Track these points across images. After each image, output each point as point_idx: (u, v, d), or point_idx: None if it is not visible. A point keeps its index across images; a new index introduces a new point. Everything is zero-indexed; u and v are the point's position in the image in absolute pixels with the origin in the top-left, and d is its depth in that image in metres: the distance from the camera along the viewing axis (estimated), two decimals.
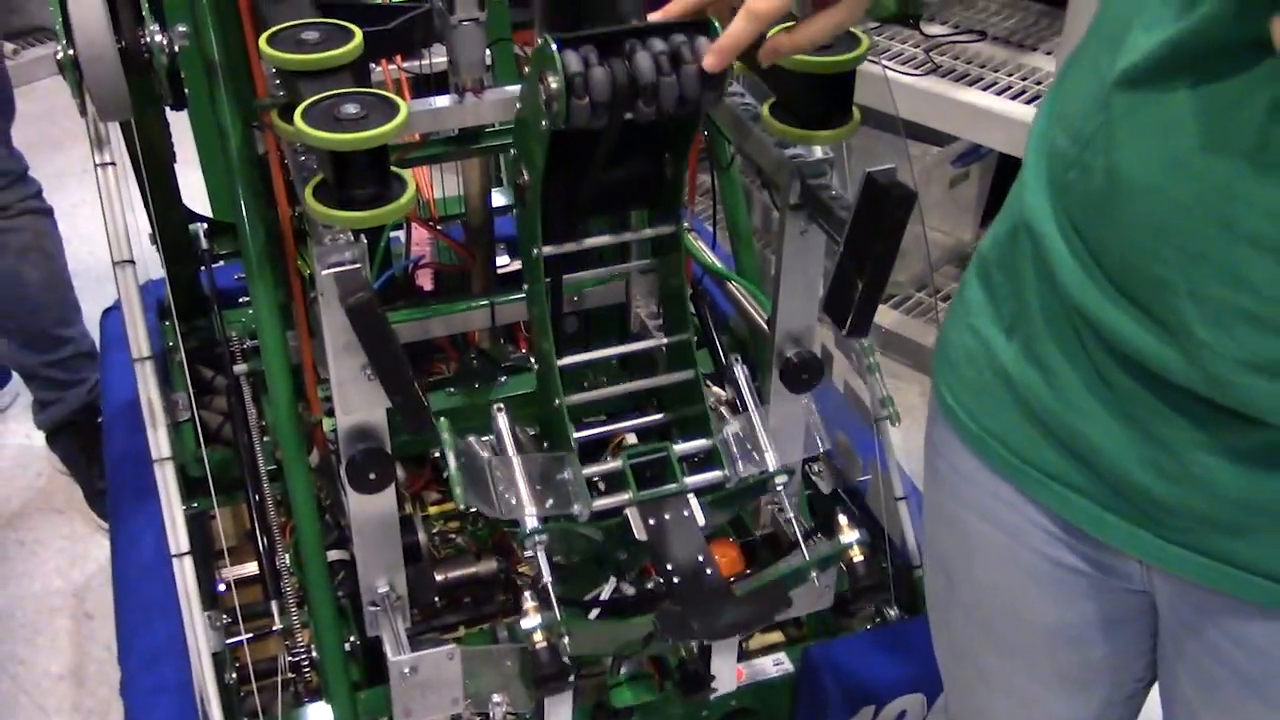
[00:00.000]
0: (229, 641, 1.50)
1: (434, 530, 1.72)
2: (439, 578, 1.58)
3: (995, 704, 1.12)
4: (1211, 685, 0.91)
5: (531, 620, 1.15)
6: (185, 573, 1.32)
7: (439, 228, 1.72)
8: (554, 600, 1.15)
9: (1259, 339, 0.74)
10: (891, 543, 1.60)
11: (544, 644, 1.15)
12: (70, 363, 2.28)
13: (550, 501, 1.18)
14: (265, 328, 1.34)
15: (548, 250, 1.19)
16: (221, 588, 1.63)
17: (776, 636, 1.63)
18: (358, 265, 1.02)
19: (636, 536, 1.19)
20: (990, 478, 0.97)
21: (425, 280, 1.82)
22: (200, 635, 1.31)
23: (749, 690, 1.48)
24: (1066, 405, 0.87)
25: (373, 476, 1.19)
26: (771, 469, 1.27)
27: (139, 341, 1.35)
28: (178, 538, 1.33)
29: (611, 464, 1.23)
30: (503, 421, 1.21)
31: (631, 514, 1.20)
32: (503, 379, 1.76)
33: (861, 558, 1.23)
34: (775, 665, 1.51)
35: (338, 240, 1.08)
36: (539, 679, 1.14)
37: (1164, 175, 0.74)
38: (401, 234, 1.82)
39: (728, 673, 1.37)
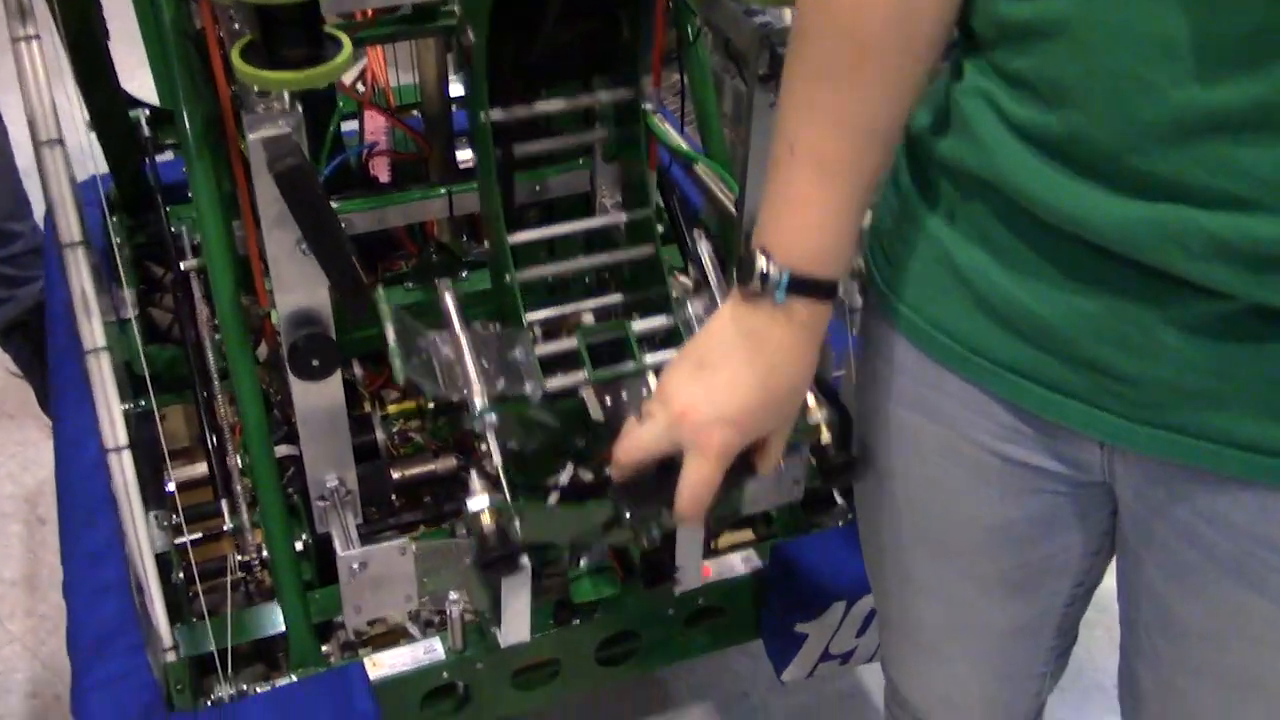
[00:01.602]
0: (178, 541, 1.44)
1: (393, 429, 1.66)
2: (396, 475, 1.53)
3: (927, 611, 1.07)
4: (1183, 571, 0.86)
5: (479, 501, 1.08)
6: (124, 468, 1.26)
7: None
8: (504, 482, 1.08)
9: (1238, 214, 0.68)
10: (855, 438, 1.55)
11: (491, 525, 1.08)
12: (21, 259, 2.20)
13: (501, 381, 1.12)
14: (206, 215, 1.26)
15: (496, 115, 1.12)
16: (171, 487, 1.57)
17: (746, 534, 1.58)
18: (288, 131, 0.94)
19: (592, 416, 1.13)
20: (932, 369, 0.91)
21: (382, 172, 1.74)
22: (140, 533, 1.26)
23: (716, 588, 1.43)
24: (1018, 284, 0.81)
25: (316, 363, 1.13)
26: None
27: (69, 226, 1.27)
28: (115, 432, 1.26)
29: (566, 343, 1.17)
30: (450, 299, 1.15)
31: (587, 394, 1.14)
32: (464, 274, 1.70)
33: (830, 438, 1.17)
34: (744, 562, 1.46)
35: (271, 108, 1.00)
36: (485, 562, 1.07)
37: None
38: (357, 125, 1.75)
39: (693, 568, 1.32)
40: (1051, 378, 0.83)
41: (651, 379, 1.15)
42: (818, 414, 1.16)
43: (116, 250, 1.86)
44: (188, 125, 1.23)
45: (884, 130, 0.81)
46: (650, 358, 1.18)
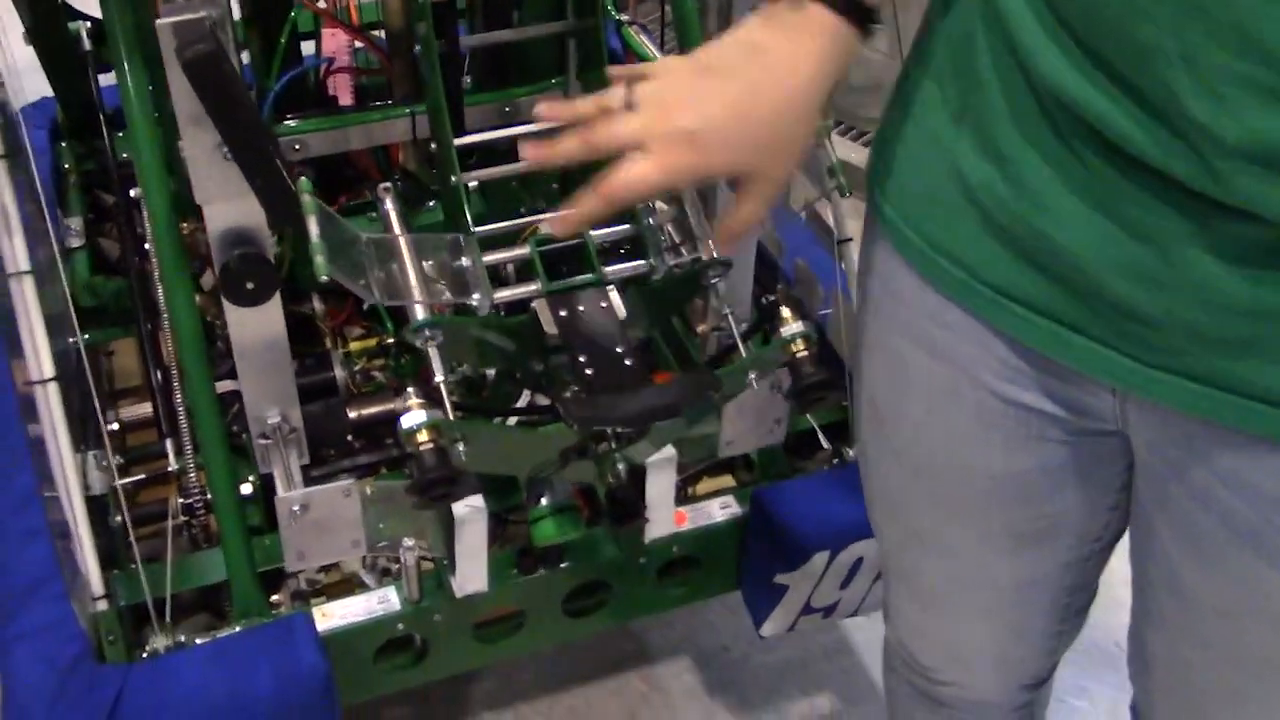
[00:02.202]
0: (121, 483, 1.35)
1: (355, 367, 1.57)
2: (352, 415, 1.43)
3: (931, 565, 0.99)
4: (1196, 537, 0.78)
5: (414, 416, 0.97)
6: (50, 402, 1.16)
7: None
8: (446, 399, 0.98)
9: (1265, 118, 0.58)
10: (854, 378, 1.45)
11: (429, 444, 0.96)
12: None
13: (444, 289, 1.02)
14: (138, 130, 1.15)
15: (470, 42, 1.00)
16: (114, 426, 1.48)
17: (725, 480, 1.49)
18: (202, 15, 0.84)
19: (546, 331, 1.03)
20: (934, 300, 0.82)
21: (345, 95, 1.63)
22: (68, 472, 1.16)
23: (692, 537, 1.35)
24: (1030, 203, 0.72)
25: (251, 286, 1.04)
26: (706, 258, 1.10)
27: None
28: (40, 364, 1.16)
29: (518, 250, 1.06)
30: (390, 202, 1.04)
31: (540, 306, 1.04)
32: (430, 204, 1.60)
33: (806, 352, 1.07)
34: (722, 509, 1.37)
35: None
36: (422, 485, 0.96)
37: None
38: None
39: (665, 515, 1.24)
40: (1060, 312, 0.75)
41: (612, 292, 1.05)
42: (793, 325, 1.06)
43: (64, 177, 1.77)
44: (117, 26, 1.12)
45: None
46: (610, 270, 1.08)
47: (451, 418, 0.97)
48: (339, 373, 1.52)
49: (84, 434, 1.34)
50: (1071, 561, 0.95)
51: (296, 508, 1.09)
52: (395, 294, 1.00)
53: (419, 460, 0.96)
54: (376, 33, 1.58)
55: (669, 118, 0.75)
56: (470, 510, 1.11)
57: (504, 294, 1.04)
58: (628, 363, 1.00)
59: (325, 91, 1.58)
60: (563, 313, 1.02)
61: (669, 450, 1.18)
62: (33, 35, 1.50)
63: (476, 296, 1.02)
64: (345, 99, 1.61)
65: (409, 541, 1.24)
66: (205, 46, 0.79)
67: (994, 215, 0.75)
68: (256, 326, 1.09)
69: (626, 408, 0.94)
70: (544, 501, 1.20)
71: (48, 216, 1.58)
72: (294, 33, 1.45)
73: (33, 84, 1.75)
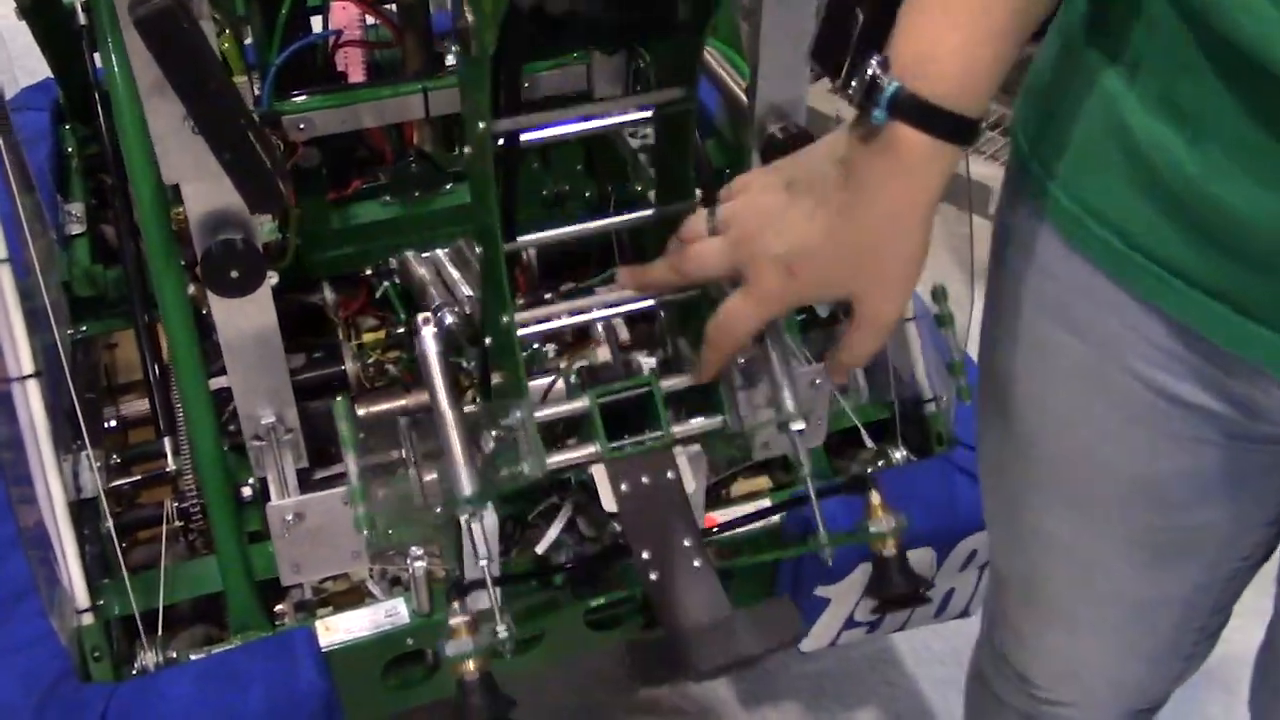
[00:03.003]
0: (110, 485, 1.27)
1: (368, 360, 1.48)
2: (361, 411, 1.34)
3: (1053, 571, 0.89)
4: None
5: (458, 645, 0.86)
6: (30, 400, 1.08)
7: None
8: (496, 607, 0.86)
9: None
10: (898, 374, 1.34)
11: (474, 676, 0.86)
12: None
13: (487, 460, 0.90)
14: (122, 108, 1.06)
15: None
16: (113, 423, 1.40)
17: (762, 482, 1.39)
18: None
19: (604, 508, 0.91)
20: (1083, 272, 0.72)
21: (356, 72, 1.54)
22: (50, 475, 1.08)
23: (724, 543, 1.24)
24: (1208, 167, 0.62)
25: (235, 275, 0.94)
26: (789, 410, 0.95)
27: None
28: (19, 358, 1.08)
29: (576, 404, 0.92)
30: (429, 342, 0.91)
31: (599, 476, 0.90)
32: (447, 186, 1.51)
33: (894, 553, 0.94)
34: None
35: None
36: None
37: None
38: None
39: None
40: (1234, 292, 0.65)
41: (682, 458, 0.93)
42: (883, 521, 0.94)
43: (66, 161, 1.69)
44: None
45: None
46: (679, 429, 0.93)
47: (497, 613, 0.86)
48: (350, 366, 1.44)
49: (75, 432, 1.25)
50: (1212, 581, 0.86)
51: (290, 517, 1.00)
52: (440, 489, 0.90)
53: (466, 696, 0.85)
54: (389, 5, 1.50)
55: (759, 242, 0.71)
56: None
57: (558, 459, 0.90)
58: (696, 564, 0.88)
59: (334, 67, 1.50)
60: (624, 486, 0.89)
61: (694, 450, 1.08)
62: (26, 11, 1.41)
63: (527, 466, 0.89)
64: (356, 75, 1.53)
65: (417, 550, 1.15)
66: (161, 2, 0.70)
67: (1164, 178, 0.65)
68: (245, 319, 1.00)
69: (701, 660, 0.82)
70: None
71: (43, 202, 1.51)
72: (301, 5, 1.36)
73: (36, 63, 1.68)
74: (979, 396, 0.91)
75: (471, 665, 0.86)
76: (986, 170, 2.34)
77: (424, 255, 1.53)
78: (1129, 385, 0.74)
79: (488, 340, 0.99)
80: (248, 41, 1.39)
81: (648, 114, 0.94)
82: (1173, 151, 0.64)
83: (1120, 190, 0.68)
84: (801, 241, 0.69)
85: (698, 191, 0.96)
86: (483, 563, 0.87)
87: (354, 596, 1.28)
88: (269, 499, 1.09)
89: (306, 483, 1.22)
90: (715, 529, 1.09)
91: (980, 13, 0.62)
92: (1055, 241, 0.73)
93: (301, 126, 1.33)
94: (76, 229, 1.58)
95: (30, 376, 1.08)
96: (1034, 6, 0.63)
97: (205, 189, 0.90)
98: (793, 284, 0.71)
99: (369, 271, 1.55)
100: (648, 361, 1.03)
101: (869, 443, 1.33)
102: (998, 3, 0.62)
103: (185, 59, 0.72)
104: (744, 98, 1.09)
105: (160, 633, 1.13)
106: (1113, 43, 0.67)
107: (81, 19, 1.52)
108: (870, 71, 0.63)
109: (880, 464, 1.33)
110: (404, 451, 0.93)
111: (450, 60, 1.45)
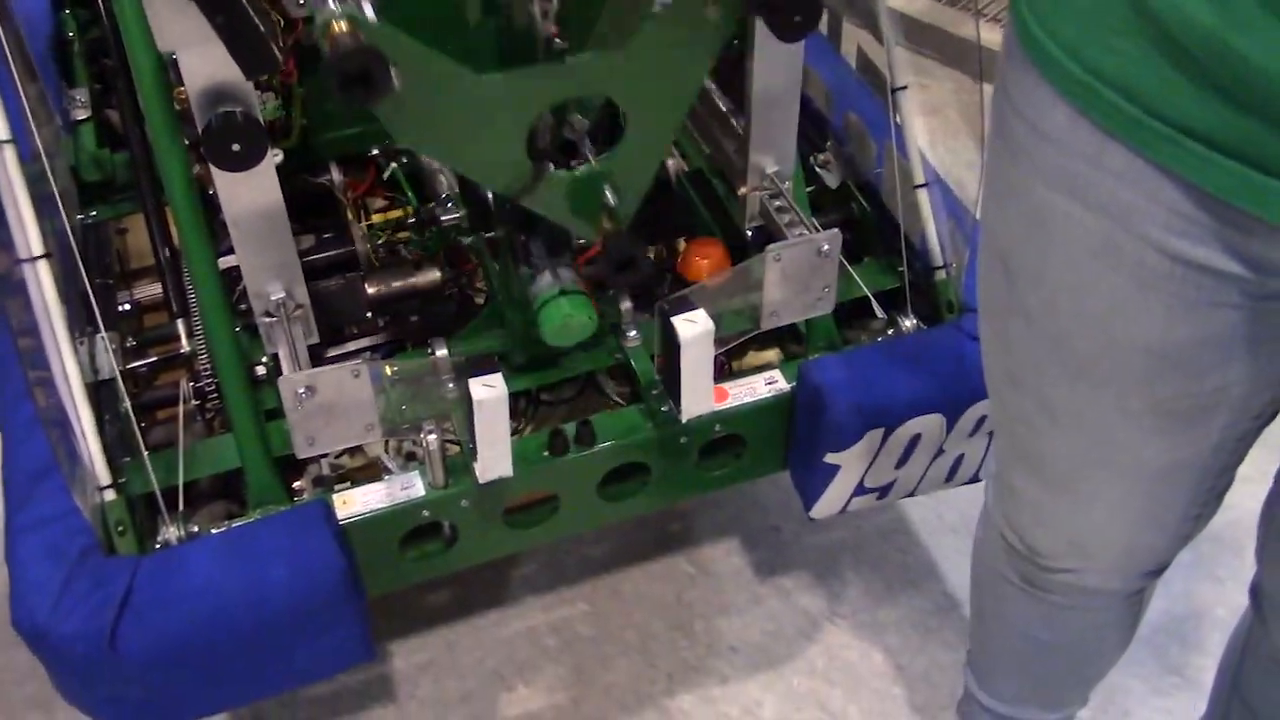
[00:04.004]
0: (125, 367, 1.28)
1: (379, 240, 1.48)
2: (371, 290, 1.35)
3: (1062, 443, 0.88)
4: None
5: (328, 11, 0.81)
6: (40, 281, 1.09)
7: None
8: None
9: None
10: (909, 242, 1.34)
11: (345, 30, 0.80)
12: None
13: None
14: None
15: None
16: (126, 307, 1.41)
17: (771, 354, 1.39)
18: None
19: None
20: (1093, 137, 0.70)
21: None
22: (65, 355, 1.09)
23: (735, 414, 1.25)
24: (1226, 17, 0.60)
25: (236, 148, 0.94)
26: None
27: None
28: (28, 240, 1.08)
29: None
30: None
31: None
32: None
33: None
34: (767, 384, 1.27)
35: None
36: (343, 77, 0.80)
37: None
38: None
39: (704, 390, 1.14)
40: (1253, 152, 0.63)
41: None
42: None
43: (68, 46, 1.67)
44: None
45: None
46: None
47: None
48: (359, 247, 1.44)
49: (90, 316, 1.26)
50: (1224, 441, 0.85)
51: (302, 390, 1.01)
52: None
53: (333, 46, 0.80)
54: None
55: None
56: (488, 391, 1.02)
57: None
58: None
59: None
60: None
61: (706, 322, 1.08)
62: None
63: None
64: None
65: (430, 425, 1.16)
66: None
67: (1175, 33, 0.63)
68: (249, 193, 1.00)
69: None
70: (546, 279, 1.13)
71: (47, 88, 1.50)
72: None
73: None
74: (980, 266, 0.90)
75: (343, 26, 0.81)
76: (996, 36, 2.29)
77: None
78: (1143, 253, 0.72)
79: None
80: None
81: None
82: (1186, 4, 0.61)
83: (1130, 50, 0.66)
84: None
85: None
86: None
87: (371, 472, 1.30)
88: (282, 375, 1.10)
89: (318, 359, 1.23)
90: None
91: None
92: (1058, 104, 0.72)
93: (300, 3, 1.31)
94: (81, 114, 1.57)
95: (40, 257, 1.08)
96: None
97: (202, 60, 0.89)
98: None
99: (375, 151, 1.54)
100: None
101: (879, 312, 1.33)
102: None
103: None
104: None
105: (181, 508, 1.15)
106: None
107: None
108: None
109: (890, 332, 1.33)
110: None
111: None
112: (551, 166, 1.04)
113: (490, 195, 1.23)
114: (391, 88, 0.81)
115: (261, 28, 0.77)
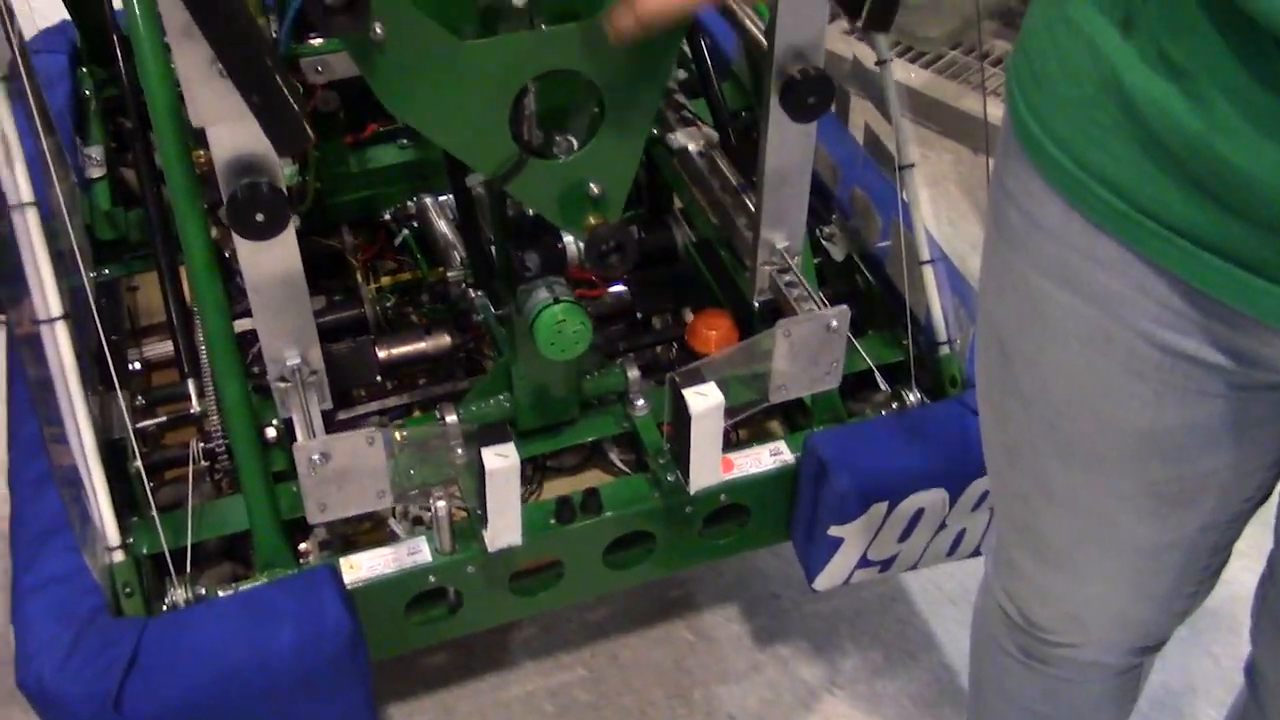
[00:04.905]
0: (136, 427, 1.29)
1: (387, 304, 1.50)
2: (382, 354, 1.37)
3: (1057, 524, 0.90)
4: None
5: None
6: (58, 342, 1.10)
7: None
8: None
9: None
10: (914, 317, 1.36)
11: None
12: None
13: None
14: (145, 50, 1.06)
15: None
16: (137, 365, 1.42)
17: (776, 425, 1.40)
18: None
19: None
20: (1084, 231, 0.72)
21: None
22: (79, 414, 1.10)
23: (740, 485, 1.26)
24: (1210, 123, 0.62)
25: (260, 218, 0.95)
26: None
27: None
28: (46, 301, 1.09)
29: None
30: None
31: None
32: None
33: None
34: (772, 455, 1.29)
35: None
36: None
37: None
38: None
39: (711, 462, 1.15)
40: (1237, 249, 0.65)
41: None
42: None
43: (84, 105, 1.69)
44: None
45: None
46: None
47: None
48: (368, 310, 1.46)
49: (103, 374, 1.27)
50: (1214, 524, 0.86)
51: (316, 456, 1.02)
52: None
53: None
54: None
55: None
56: (501, 460, 1.03)
57: None
58: None
59: None
60: None
61: (716, 395, 1.10)
62: None
63: None
64: None
65: (439, 490, 1.17)
66: None
67: (1162, 136, 0.65)
68: (270, 261, 1.01)
69: None
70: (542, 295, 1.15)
71: (64, 145, 1.52)
72: None
73: (50, 7, 1.68)
74: (978, 347, 0.92)
75: None
76: (999, 110, 2.33)
77: (440, 199, 1.55)
78: (1133, 343, 0.74)
79: None
80: None
81: None
82: (1172, 109, 0.63)
83: (1119, 149, 0.68)
84: None
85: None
86: None
87: (378, 535, 1.30)
88: (294, 439, 1.11)
89: (330, 423, 1.24)
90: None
91: None
92: (1052, 198, 0.73)
93: (319, 69, 1.33)
94: (97, 172, 1.59)
95: (59, 319, 1.09)
96: None
97: (231, 132, 0.91)
98: None
99: (387, 216, 1.56)
100: None
101: (883, 385, 1.35)
102: None
103: (213, 1, 0.73)
104: (763, 40, 1.09)
105: (189, 570, 1.15)
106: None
107: None
108: None
109: (894, 406, 1.34)
110: None
111: None
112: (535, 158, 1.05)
113: (494, 250, 1.24)
114: (368, 10, 0.82)
115: (295, 106, 0.78)
